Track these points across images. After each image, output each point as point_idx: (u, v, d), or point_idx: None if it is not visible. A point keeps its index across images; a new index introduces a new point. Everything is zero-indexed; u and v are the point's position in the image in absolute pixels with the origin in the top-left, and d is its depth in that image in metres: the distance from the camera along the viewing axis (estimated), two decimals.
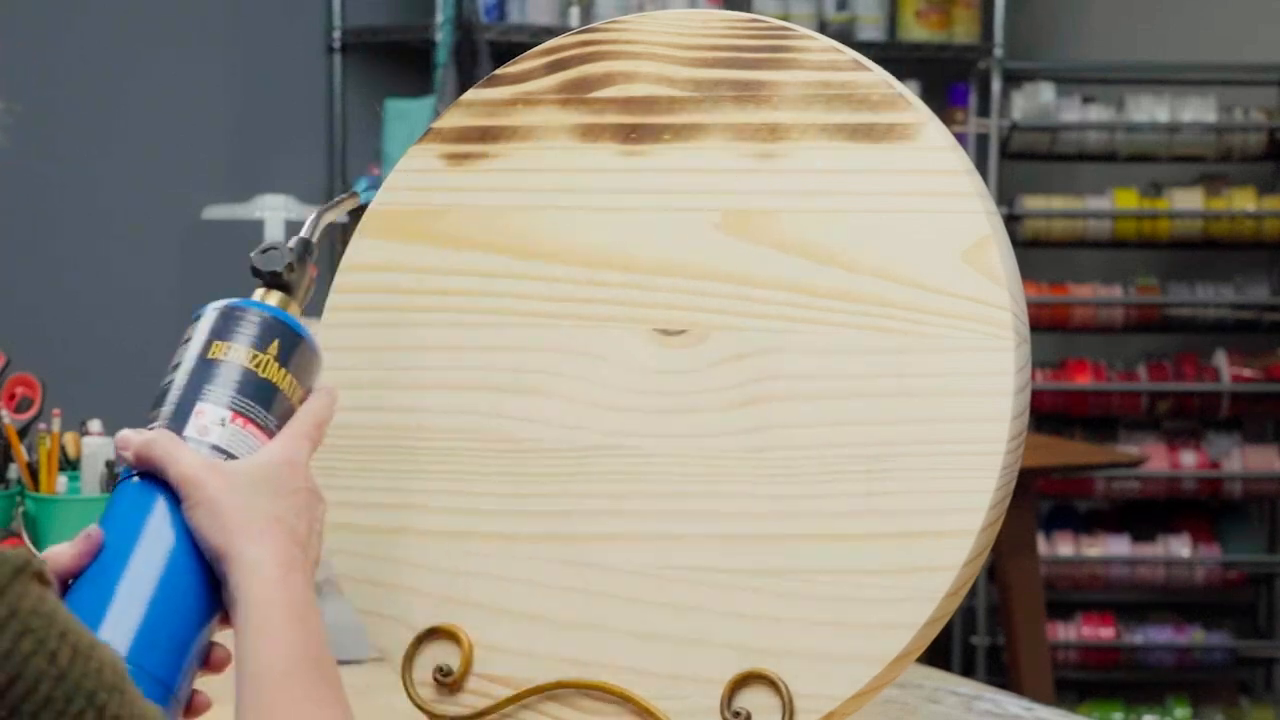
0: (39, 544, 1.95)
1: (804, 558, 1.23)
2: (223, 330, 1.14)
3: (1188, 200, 4.59)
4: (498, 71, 1.37)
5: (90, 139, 4.32)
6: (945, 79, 4.74)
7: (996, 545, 1.27)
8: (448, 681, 1.31)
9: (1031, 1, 4.89)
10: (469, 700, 1.31)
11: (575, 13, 4.44)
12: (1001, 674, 4.35)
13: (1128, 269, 4.75)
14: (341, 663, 1.79)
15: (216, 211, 3.66)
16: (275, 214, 3.39)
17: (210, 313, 1.15)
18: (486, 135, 1.35)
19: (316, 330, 1.22)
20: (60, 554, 1.09)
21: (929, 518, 1.20)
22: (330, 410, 1.17)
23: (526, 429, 1.31)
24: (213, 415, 1.12)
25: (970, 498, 1.19)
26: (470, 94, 1.37)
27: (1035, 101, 4.59)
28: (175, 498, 1.09)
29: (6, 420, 1.98)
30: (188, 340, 1.15)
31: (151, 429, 1.12)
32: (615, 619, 1.27)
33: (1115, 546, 4.60)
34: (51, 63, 4.26)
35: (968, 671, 4.46)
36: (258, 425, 1.12)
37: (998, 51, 4.63)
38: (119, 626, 1.05)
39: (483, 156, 1.35)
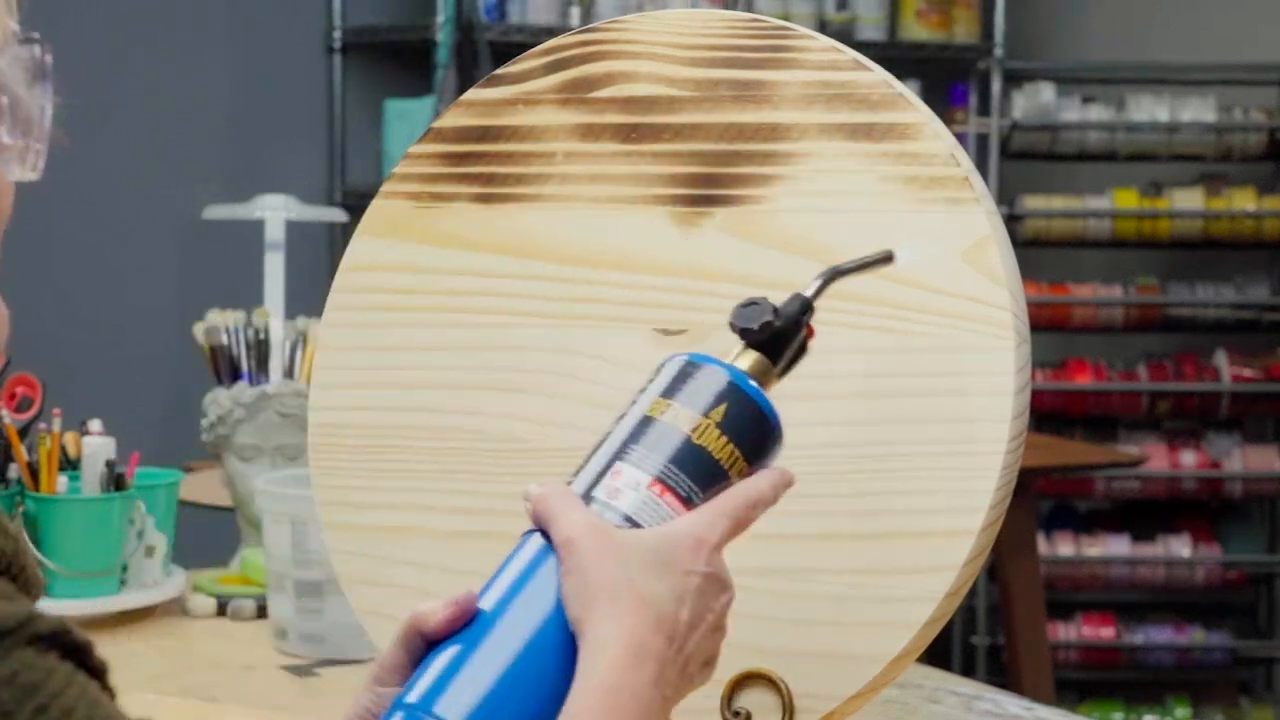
0: (39, 543, 1.95)
1: (804, 558, 1.23)
2: (670, 385, 1.03)
3: (1188, 200, 4.59)
4: (498, 71, 1.37)
5: (90, 139, 4.31)
6: (945, 79, 4.74)
7: (996, 545, 1.27)
8: None
9: (1031, 1, 4.89)
10: None
11: (575, 13, 4.44)
12: (1001, 674, 4.35)
13: (1128, 269, 4.75)
14: (342, 663, 1.79)
15: (216, 211, 3.65)
16: (275, 214, 3.38)
17: (670, 364, 1.04)
18: (487, 135, 1.35)
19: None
20: (431, 614, 0.99)
21: (929, 518, 1.20)
22: (774, 495, 1.04)
23: (526, 429, 1.31)
24: (630, 478, 1.01)
25: (970, 498, 1.19)
26: (470, 94, 1.37)
27: (1035, 101, 4.59)
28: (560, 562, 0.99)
29: (6, 420, 1.98)
30: (642, 390, 1.04)
31: (564, 484, 1.03)
32: None
33: (1115, 546, 4.60)
34: (50, 62, 4.26)
35: (968, 671, 4.45)
36: (679, 496, 1.01)
37: (998, 51, 4.64)
38: (463, 695, 0.95)
39: (482, 156, 1.35)
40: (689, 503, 1.01)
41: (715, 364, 1.04)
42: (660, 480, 1.01)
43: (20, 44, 0.93)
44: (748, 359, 1.06)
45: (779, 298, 1.09)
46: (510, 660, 0.97)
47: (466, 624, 0.98)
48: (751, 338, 1.06)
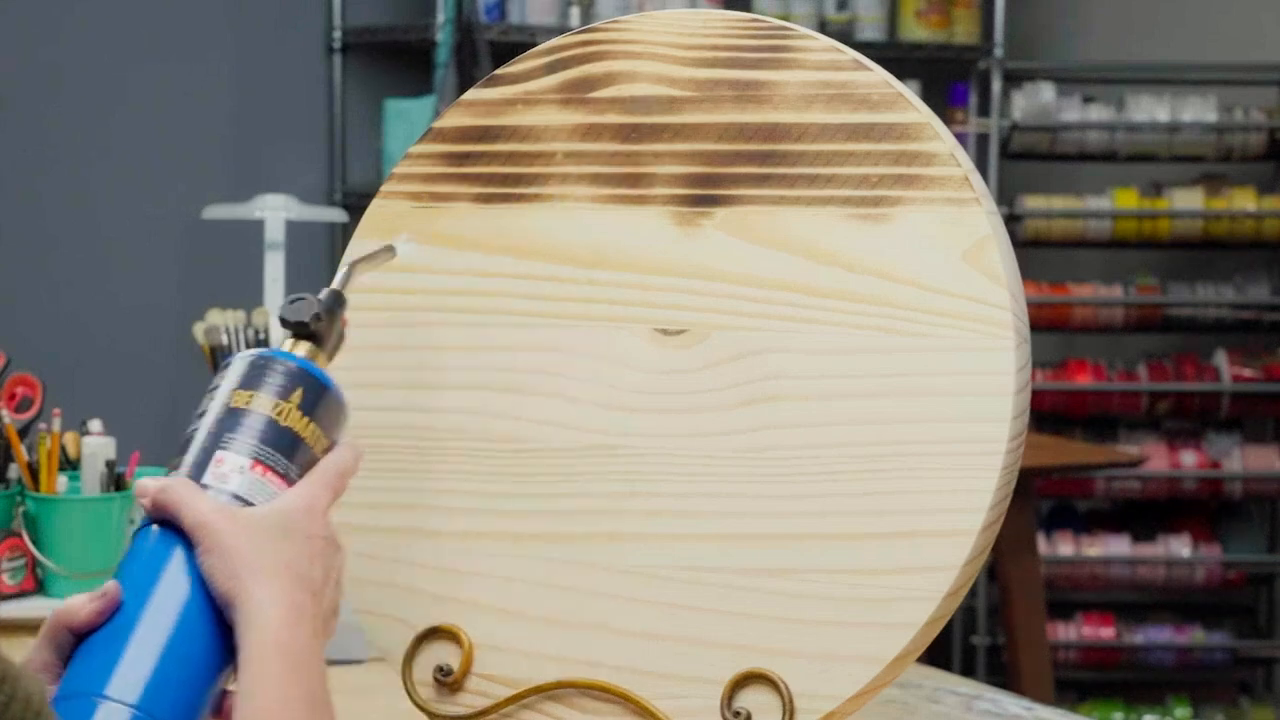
0: (39, 543, 1.95)
1: (804, 558, 1.23)
2: (247, 379, 1.14)
3: (1188, 200, 4.59)
4: (498, 71, 1.37)
5: (90, 139, 4.32)
6: (945, 79, 4.74)
7: (996, 545, 1.27)
8: (448, 681, 1.31)
9: (1031, 1, 4.89)
10: (469, 700, 1.31)
11: (575, 13, 4.44)
12: (1001, 674, 4.35)
13: (1128, 269, 4.75)
14: (342, 663, 1.79)
15: (216, 211, 3.65)
16: (275, 214, 3.38)
17: (237, 362, 1.15)
18: (487, 135, 1.35)
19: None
20: (78, 609, 1.06)
21: (929, 518, 1.20)
22: (355, 463, 1.16)
23: (527, 429, 1.31)
24: (233, 463, 1.11)
25: (970, 498, 1.19)
26: (470, 94, 1.37)
27: (1035, 101, 4.59)
28: (191, 545, 1.08)
29: (6, 420, 1.98)
30: (214, 389, 1.15)
31: (170, 476, 1.12)
32: (615, 619, 1.27)
33: (1115, 546, 4.60)
34: (51, 63, 4.26)
35: (968, 671, 4.46)
36: (278, 474, 1.12)
37: (998, 51, 4.64)
38: (130, 676, 1.04)
39: (481, 155, 1.35)
40: (286, 478, 1.12)
41: (283, 355, 1.16)
42: (260, 461, 1.11)
43: None
44: (303, 348, 1.18)
45: (319, 294, 1.20)
46: (167, 637, 1.05)
47: (111, 616, 1.06)
48: (304, 330, 1.18)
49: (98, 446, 1.98)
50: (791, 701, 1.22)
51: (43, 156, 4.28)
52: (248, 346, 2.21)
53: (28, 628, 1.93)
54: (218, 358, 2.21)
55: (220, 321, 2.22)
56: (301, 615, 1.07)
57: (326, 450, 1.15)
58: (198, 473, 1.11)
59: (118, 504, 1.96)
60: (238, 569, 1.06)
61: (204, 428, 1.12)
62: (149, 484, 1.10)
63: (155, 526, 1.09)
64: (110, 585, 1.07)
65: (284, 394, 1.13)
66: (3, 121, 4.26)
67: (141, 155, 4.36)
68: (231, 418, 1.12)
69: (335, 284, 1.22)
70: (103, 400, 2.49)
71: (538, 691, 1.29)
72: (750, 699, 1.23)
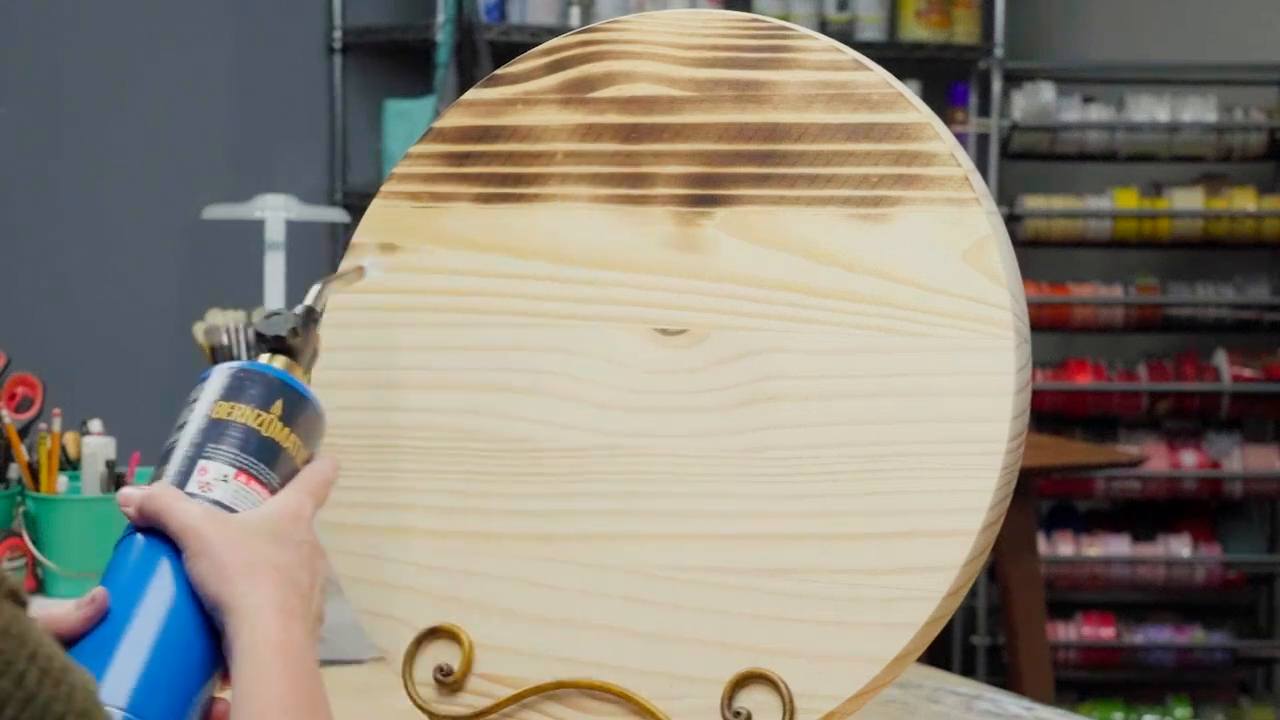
0: (39, 543, 1.95)
1: (804, 558, 1.23)
2: (228, 391, 1.16)
3: (1188, 200, 4.59)
4: (498, 71, 1.37)
5: (90, 139, 4.32)
6: (945, 79, 4.74)
7: (996, 545, 1.27)
8: (448, 681, 1.31)
9: (1031, 1, 4.89)
10: (469, 700, 1.31)
11: (575, 13, 4.44)
12: (1001, 674, 4.35)
13: (1128, 269, 4.75)
14: (342, 663, 1.79)
15: (216, 211, 3.65)
16: (275, 214, 3.38)
17: (216, 374, 1.17)
18: (487, 135, 1.35)
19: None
20: (65, 616, 1.07)
21: (929, 518, 1.20)
22: (334, 472, 1.18)
23: (526, 429, 1.31)
24: (216, 472, 1.13)
25: (970, 498, 1.19)
26: (470, 94, 1.37)
27: (1035, 101, 4.59)
28: (177, 551, 1.09)
29: (6, 420, 1.98)
30: (194, 401, 1.17)
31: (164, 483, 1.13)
32: (615, 619, 1.27)
33: (1115, 546, 4.60)
34: (51, 63, 4.26)
35: (968, 671, 4.46)
36: (260, 482, 1.14)
37: (998, 51, 4.64)
38: (120, 680, 1.05)
39: (482, 156, 1.35)
40: (269, 486, 1.14)
41: (262, 368, 1.18)
42: (243, 470, 1.13)
43: None
44: (280, 361, 1.20)
45: (294, 309, 1.22)
46: (155, 642, 1.06)
47: (99, 623, 1.07)
48: (281, 345, 1.20)
49: (98, 446, 1.98)
50: (791, 701, 1.22)
51: (43, 157, 4.28)
52: (247, 346, 2.21)
53: None
54: (218, 358, 2.21)
55: (220, 321, 2.22)
56: (293, 616, 1.08)
57: (307, 460, 1.17)
58: (181, 481, 1.12)
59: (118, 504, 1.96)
60: (229, 573, 1.07)
61: (185, 438, 1.15)
62: (132, 493, 1.11)
63: (140, 535, 1.10)
64: (98, 591, 1.08)
65: (265, 405, 1.15)
66: (3, 121, 4.26)
67: (141, 155, 4.36)
68: (213, 428, 1.14)
69: (309, 300, 1.24)
70: (103, 400, 2.49)
71: (538, 691, 1.29)
72: (750, 699, 1.23)
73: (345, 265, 1.35)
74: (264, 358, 1.20)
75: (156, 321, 4.29)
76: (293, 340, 1.20)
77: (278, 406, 1.16)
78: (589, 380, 1.30)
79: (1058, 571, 4.58)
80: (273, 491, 1.14)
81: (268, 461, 1.14)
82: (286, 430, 1.15)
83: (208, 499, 1.11)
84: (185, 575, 1.08)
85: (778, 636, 1.23)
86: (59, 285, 4.31)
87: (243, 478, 1.13)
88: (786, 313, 1.25)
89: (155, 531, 1.09)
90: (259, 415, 1.15)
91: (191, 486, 1.12)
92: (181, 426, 1.16)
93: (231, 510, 1.11)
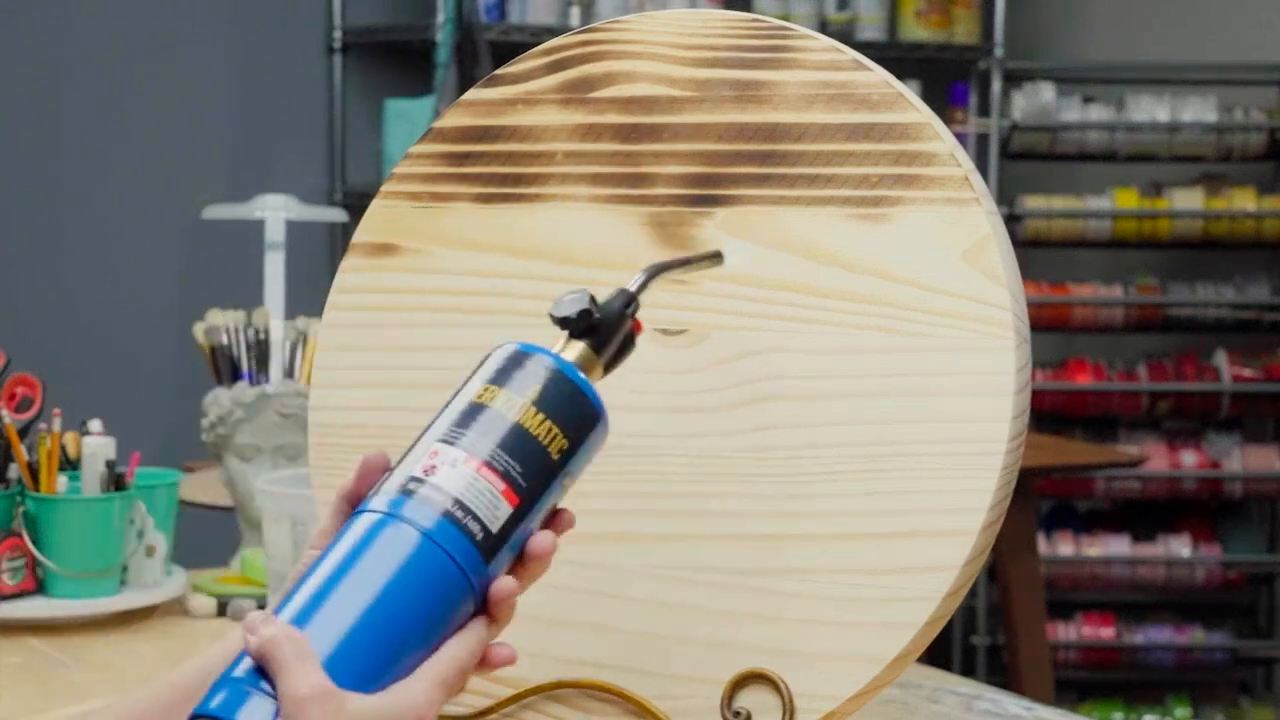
0: (39, 543, 1.95)
1: (804, 558, 1.23)
2: (494, 374, 1.06)
3: (1188, 200, 4.59)
4: (498, 71, 1.37)
5: (90, 139, 4.32)
6: (945, 79, 4.74)
7: (996, 545, 1.27)
8: None
9: (1031, 1, 4.89)
10: (469, 700, 1.31)
11: (575, 13, 4.44)
12: (1001, 674, 4.35)
13: (1128, 269, 4.75)
14: None
15: (216, 211, 3.66)
16: (275, 214, 3.38)
17: (491, 356, 1.08)
18: (487, 135, 1.35)
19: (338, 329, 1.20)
20: (347, 482, 1.06)
21: (929, 518, 1.20)
22: (473, 660, 1.03)
23: None
24: (447, 456, 1.03)
25: (970, 498, 1.19)
26: (470, 94, 1.37)
27: (1035, 101, 4.59)
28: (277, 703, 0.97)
29: (6, 420, 1.98)
30: (466, 381, 1.08)
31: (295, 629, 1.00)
32: (615, 619, 1.27)
33: (1115, 546, 4.60)
34: (52, 63, 4.26)
35: (968, 671, 4.46)
36: (497, 473, 1.03)
37: (998, 51, 4.64)
38: None
39: (482, 157, 1.35)
40: (507, 479, 1.03)
41: (532, 349, 1.07)
42: (478, 457, 1.03)
43: None
44: (573, 349, 1.09)
45: (604, 292, 1.12)
46: None
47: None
48: (571, 327, 1.09)
49: (98, 446, 1.98)
50: (791, 701, 1.22)
51: (43, 157, 4.28)
52: (247, 346, 2.21)
53: (28, 628, 1.93)
54: (218, 358, 2.21)
55: (220, 321, 2.22)
56: None
57: (562, 453, 1.06)
58: (412, 465, 1.04)
59: (118, 504, 1.96)
60: None
61: (435, 420, 1.06)
62: (260, 626, 0.99)
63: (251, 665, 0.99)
64: (374, 455, 1.05)
65: (520, 390, 1.05)
66: (3, 121, 4.26)
67: (141, 155, 4.36)
68: (464, 411, 1.05)
69: (632, 286, 1.13)
70: (103, 400, 2.49)
71: (538, 691, 1.29)
72: (750, 699, 1.23)
73: (698, 252, 1.21)
74: (558, 343, 1.10)
75: (156, 321, 4.29)
76: (586, 323, 1.09)
77: (535, 391, 1.05)
78: None
79: (1058, 571, 4.58)
80: (510, 483, 1.04)
81: (512, 452, 1.04)
82: (541, 418, 1.04)
83: (428, 483, 1.02)
84: None
85: (778, 636, 1.23)
86: (59, 285, 4.31)
87: (473, 464, 1.03)
88: (786, 313, 1.25)
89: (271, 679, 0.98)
90: (510, 399, 1.04)
91: (415, 470, 1.03)
92: (445, 406, 1.07)
93: (464, 506, 1.02)
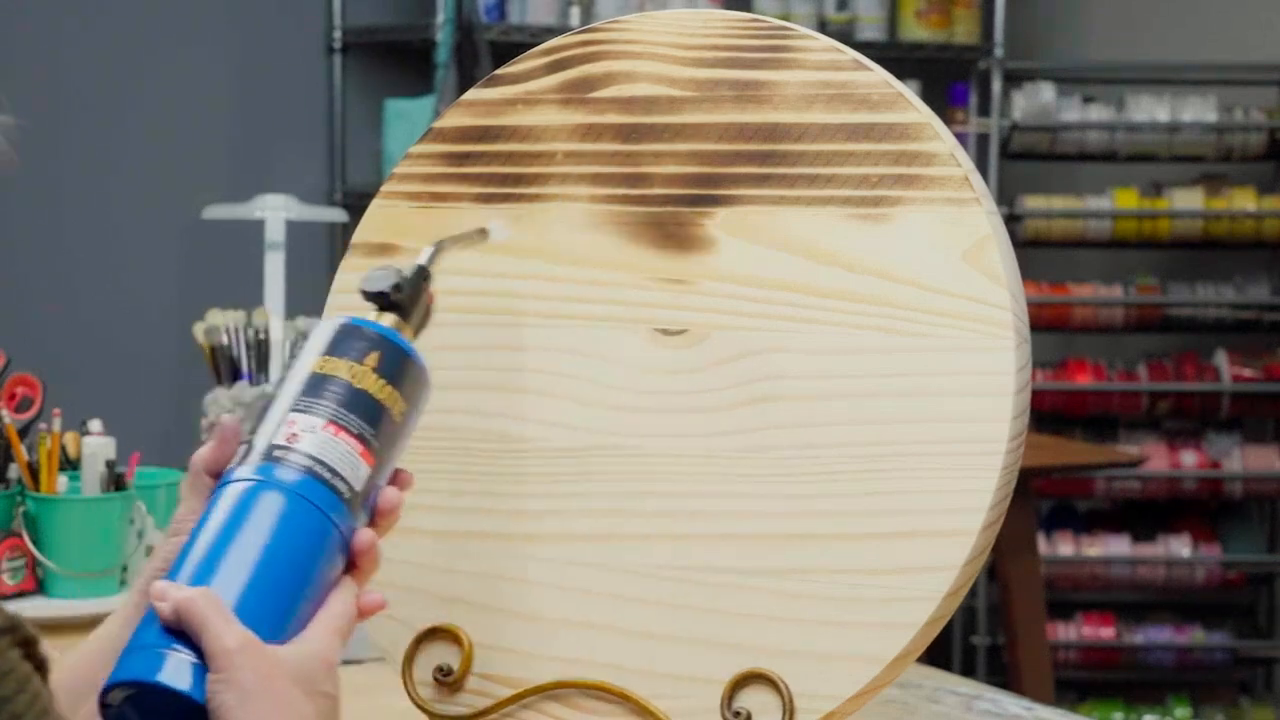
0: (39, 543, 1.95)
1: (804, 558, 1.23)
2: (327, 346, 1.14)
3: (1188, 200, 4.59)
4: (498, 71, 1.37)
5: (90, 139, 4.31)
6: (945, 79, 4.74)
7: (996, 545, 1.27)
8: (448, 681, 1.31)
9: (1031, 1, 4.89)
10: (469, 700, 1.31)
11: (575, 13, 4.44)
12: (1001, 674, 4.35)
13: (1128, 269, 4.75)
14: (341, 663, 1.79)
15: (216, 211, 3.66)
16: (275, 214, 3.38)
17: (317, 331, 1.15)
18: (487, 135, 1.35)
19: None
20: (202, 453, 1.10)
21: (929, 518, 1.20)
22: (354, 607, 1.10)
23: (527, 429, 1.31)
24: (304, 424, 1.10)
25: (970, 498, 1.19)
26: (470, 94, 1.37)
27: (1035, 101, 4.59)
28: (203, 662, 1.01)
29: (6, 420, 1.98)
30: (292, 359, 1.15)
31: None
32: (615, 619, 1.27)
33: (1115, 546, 4.60)
34: (51, 63, 4.26)
35: (968, 671, 4.46)
36: (352, 434, 1.11)
37: (998, 51, 4.64)
38: None
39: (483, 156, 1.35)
40: (362, 440, 1.11)
41: (359, 322, 1.15)
42: (334, 422, 1.10)
43: None
44: (386, 319, 1.17)
45: (405, 266, 1.20)
46: None
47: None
48: (381, 301, 1.17)
49: (98, 446, 1.98)
50: (791, 701, 1.22)
51: (43, 157, 4.28)
52: (247, 346, 2.21)
53: None
54: (218, 358, 2.21)
55: (220, 321, 2.22)
56: None
57: (403, 415, 1.14)
58: (269, 434, 1.10)
59: (118, 504, 1.97)
60: (255, 712, 1.00)
61: (278, 396, 1.12)
62: (169, 589, 1.03)
63: (166, 631, 1.03)
64: (229, 420, 1.12)
65: (359, 358, 1.13)
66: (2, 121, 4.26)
67: (142, 155, 4.36)
68: (308, 382, 1.12)
69: (421, 259, 1.22)
70: (103, 400, 2.49)
71: (538, 691, 1.29)
72: (750, 699, 1.23)
73: (465, 229, 1.31)
74: (370, 315, 1.17)
75: (156, 321, 4.29)
76: (396, 296, 1.17)
77: (372, 358, 1.13)
78: (589, 380, 1.30)
79: (1058, 571, 4.58)
80: (365, 444, 1.11)
81: (361, 415, 1.11)
82: (382, 382, 1.12)
83: (298, 450, 1.09)
84: (203, 690, 1.01)
85: (778, 636, 1.23)
86: (59, 285, 4.31)
87: (331, 429, 1.10)
88: (786, 313, 1.25)
89: (184, 635, 1.02)
90: (352, 367, 1.12)
91: (279, 439, 1.09)
92: (281, 381, 1.14)
93: (323, 462, 1.09)
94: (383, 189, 1.38)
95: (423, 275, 1.21)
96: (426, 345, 1.33)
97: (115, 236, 4.35)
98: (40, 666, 0.88)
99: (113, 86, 4.34)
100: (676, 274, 1.28)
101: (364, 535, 1.11)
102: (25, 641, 0.86)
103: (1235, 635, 4.66)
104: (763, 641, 1.23)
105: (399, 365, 1.14)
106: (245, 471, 1.09)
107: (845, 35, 4.50)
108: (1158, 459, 4.58)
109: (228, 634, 1.01)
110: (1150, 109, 4.59)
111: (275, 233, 3.31)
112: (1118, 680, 4.69)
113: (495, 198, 1.34)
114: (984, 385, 1.20)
